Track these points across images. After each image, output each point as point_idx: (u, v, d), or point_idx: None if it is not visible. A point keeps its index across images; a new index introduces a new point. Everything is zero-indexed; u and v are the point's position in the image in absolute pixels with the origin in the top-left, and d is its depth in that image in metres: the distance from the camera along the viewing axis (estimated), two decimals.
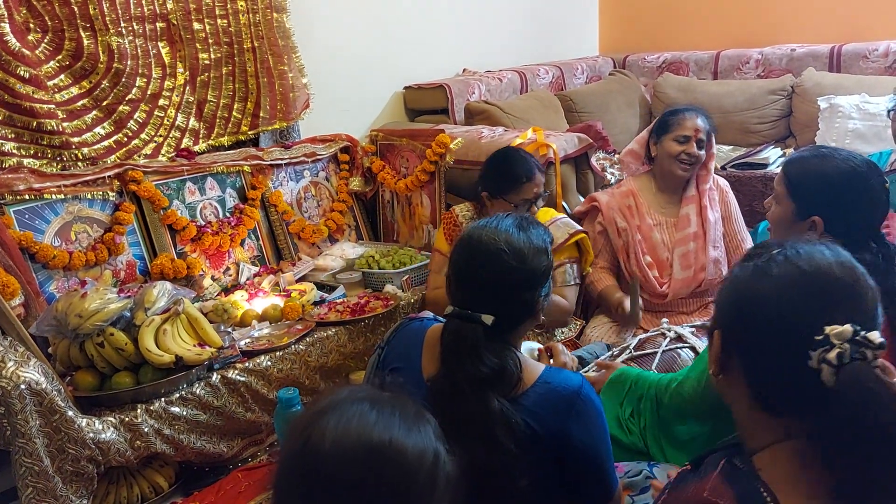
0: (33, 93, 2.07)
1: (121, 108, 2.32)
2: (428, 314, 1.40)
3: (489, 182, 2.14)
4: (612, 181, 2.73)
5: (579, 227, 2.19)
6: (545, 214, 2.18)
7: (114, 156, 2.31)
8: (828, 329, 0.74)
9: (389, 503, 0.74)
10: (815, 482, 0.75)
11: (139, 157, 2.37)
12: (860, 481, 0.72)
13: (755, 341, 0.81)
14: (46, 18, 2.15)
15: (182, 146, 2.50)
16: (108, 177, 2.22)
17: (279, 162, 2.67)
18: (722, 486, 0.77)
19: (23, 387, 1.49)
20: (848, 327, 0.74)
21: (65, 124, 2.17)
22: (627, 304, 2.08)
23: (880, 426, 0.71)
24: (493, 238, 1.17)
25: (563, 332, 2.24)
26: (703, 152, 2.20)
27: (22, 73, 2.04)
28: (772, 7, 3.99)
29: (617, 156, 2.91)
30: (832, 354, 0.73)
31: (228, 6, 2.53)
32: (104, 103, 2.29)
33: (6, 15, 2.01)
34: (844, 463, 0.73)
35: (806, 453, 0.77)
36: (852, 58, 3.58)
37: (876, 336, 0.74)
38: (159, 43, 2.41)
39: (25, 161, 2.11)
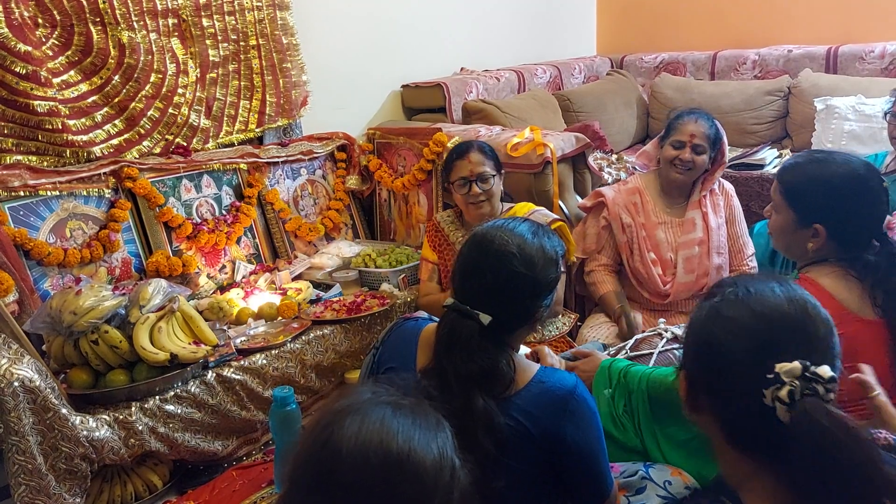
0: (31, 89, 2.06)
1: (133, 105, 2.30)
2: (423, 314, 1.39)
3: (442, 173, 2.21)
4: (610, 181, 2.73)
5: (556, 216, 2.19)
6: (523, 208, 2.19)
7: (125, 154, 2.30)
8: (777, 367, 0.75)
9: None
10: None
11: (149, 157, 2.36)
12: None
13: (716, 382, 0.82)
14: (55, 13, 2.14)
15: (192, 146, 2.49)
16: (104, 174, 2.21)
17: (276, 160, 2.66)
18: None
19: (16, 384, 1.48)
20: (797, 364, 0.74)
21: (70, 122, 2.15)
22: (624, 325, 2.12)
23: (836, 460, 0.72)
24: (505, 240, 1.16)
25: (557, 328, 2.24)
26: (702, 157, 2.17)
27: (20, 69, 2.03)
28: (769, 8, 4.00)
29: (614, 155, 2.92)
30: (783, 392, 0.74)
31: (235, 3, 2.53)
32: (115, 100, 2.28)
33: (2, 10, 2.00)
34: (813, 498, 0.74)
35: (784, 489, 0.77)
36: (849, 59, 3.59)
37: (826, 370, 0.74)
38: (172, 39, 2.40)
39: (24, 158, 2.10)
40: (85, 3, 2.16)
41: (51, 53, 2.14)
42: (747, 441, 0.80)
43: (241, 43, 2.58)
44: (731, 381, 0.80)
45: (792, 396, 0.74)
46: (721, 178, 2.35)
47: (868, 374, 1.15)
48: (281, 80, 2.70)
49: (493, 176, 2.11)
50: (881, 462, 0.74)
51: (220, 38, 2.51)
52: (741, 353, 0.79)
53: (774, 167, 3.18)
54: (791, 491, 0.76)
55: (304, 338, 2.05)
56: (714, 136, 2.19)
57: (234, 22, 2.54)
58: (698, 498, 0.86)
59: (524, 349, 1.59)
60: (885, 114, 2.38)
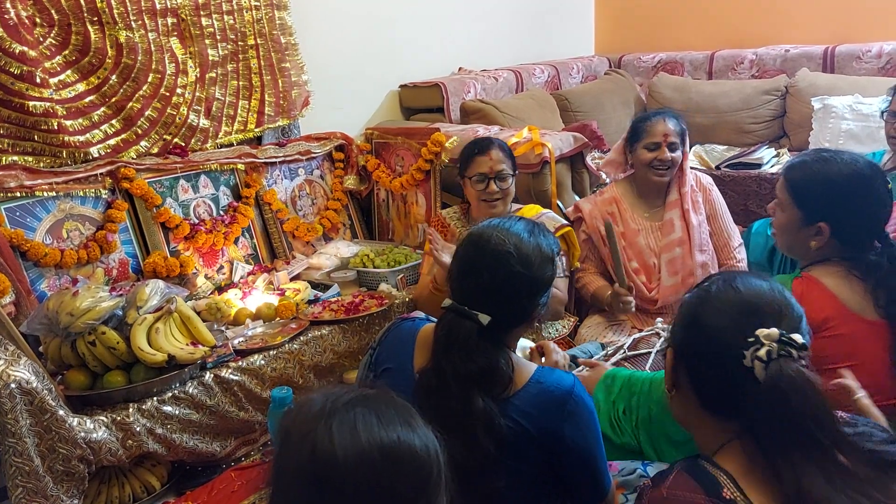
0: (27, 90, 2.05)
1: (130, 104, 2.29)
2: (420, 314, 1.39)
3: (458, 166, 2.20)
4: (609, 180, 2.73)
5: (565, 221, 2.19)
6: (531, 210, 2.18)
7: (122, 155, 2.29)
8: (758, 331, 0.88)
9: (413, 498, 0.75)
10: (766, 472, 0.86)
11: (147, 157, 2.35)
12: (793, 464, 0.83)
13: (699, 351, 0.94)
14: (52, 12, 2.13)
15: (190, 146, 2.48)
16: (101, 174, 2.20)
17: (273, 160, 2.66)
18: (681, 479, 0.88)
19: (13, 385, 1.48)
20: (774, 330, 0.87)
21: (67, 122, 2.14)
22: (624, 298, 2.08)
23: (803, 414, 0.84)
24: (502, 239, 1.16)
25: (556, 331, 2.24)
26: (677, 154, 2.18)
27: (14, 70, 2.02)
28: (766, 8, 4.00)
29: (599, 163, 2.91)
30: (762, 351, 0.86)
31: (234, 2, 2.52)
32: (113, 100, 2.27)
33: None
34: (778, 448, 0.84)
35: (752, 448, 0.88)
36: (846, 59, 3.60)
37: (798, 337, 0.87)
38: (171, 38, 2.38)
39: (20, 158, 2.09)
40: (83, 2, 2.15)
41: (48, 53, 2.13)
42: (723, 404, 0.92)
43: (240, 43, 2.57)
44: (713, 346, 0.91)
45: (769, 356, 0.86)
46: (699, 174, 2.35)
47: (849, 377, 1.21)
48: (280, 80, 2.70)
49: (511, 176, 2.11)
50: (840, 421, 0.88)
51: (218, 37, 2.51)
52: (726, 322, 0.91)
53: (772, 166, 3.19)
54: (759, 446, 0.87)
55: (302, 338, 2.04)
56: (682, 132, 2.21)
57: (232, 21, 2.54)
58: (678, 462, 0.93)
59: (528, 343, 1.59)
60: (882, 113, 2.38)
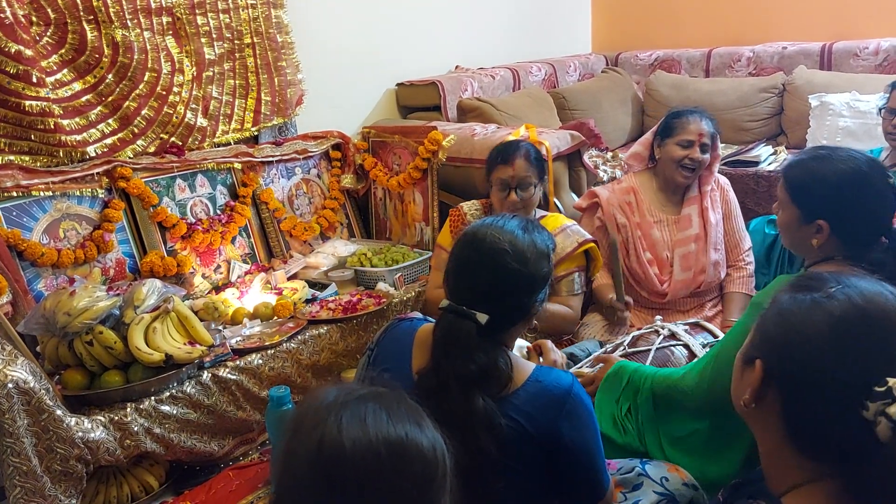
0: (23, 89, 2.04)
1: (127, 104, 2.28)
2: (417, 314, 1.39)
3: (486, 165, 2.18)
4: (605, 179, 2.73)
5: (589, 236, 2.15)
6: (555, 221, 2.16)
7: (119, 154, 2.29)
8: (892, 381, 0.70)
9: (416, 497, 0.75)
10: None
11: (143, 156, 2.35)
12: None
13: (804, 378, 0.77)
14: (49, 11, 2.12)
15: (188, 145, 2.47)
16: (97, 174, 2.20)
17: (270, 159, 2.65)
18: None
19: (10, 386, 1.48)
20: None
21: (63, 121, 2.14)
22: (620, 315, 2.09)
23: None
24: (497, 237, 1.16)
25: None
26: (706, 157, 2.17)
27: (10, 69, 2.01)
28: (763, 5, 4.00)
29: (609, 153, 2.91)
30: (893, 409, 0.69)
31: (230, 1, 2.51)
32: (109, 99, 2.26)
33: None
34: None
35: (840, 497, 0.74)
36: (843, 56, 3.60)
37: None
38: (166, 37, 2.38)
39: (16, 158, 2.08)
40: (79, 1, 2.14)
41: (44, 52, 2.13)
42: (818, 445, 0.77)
43: (236, 41, 2.57)
44: (826, 380, 0.75)
45: None
46: (716, 174, 2.35)
47: None
48: (276, 79, 2.69)
49: (535, 185, 2.07)
50: None
51: (214, 36, 2.50)
52: (848, 356, 0.74)
53: (769, 164, 3.19)
54: (856, 502, 0.73)
55: (299, 337, 2.04)
56: (714, 135, 2.20)
57: (228, 20, 2.53)
58: (734, 500, 0.84)
59: (525, 344, 1.59)
60: (880, 110, 2.39)
